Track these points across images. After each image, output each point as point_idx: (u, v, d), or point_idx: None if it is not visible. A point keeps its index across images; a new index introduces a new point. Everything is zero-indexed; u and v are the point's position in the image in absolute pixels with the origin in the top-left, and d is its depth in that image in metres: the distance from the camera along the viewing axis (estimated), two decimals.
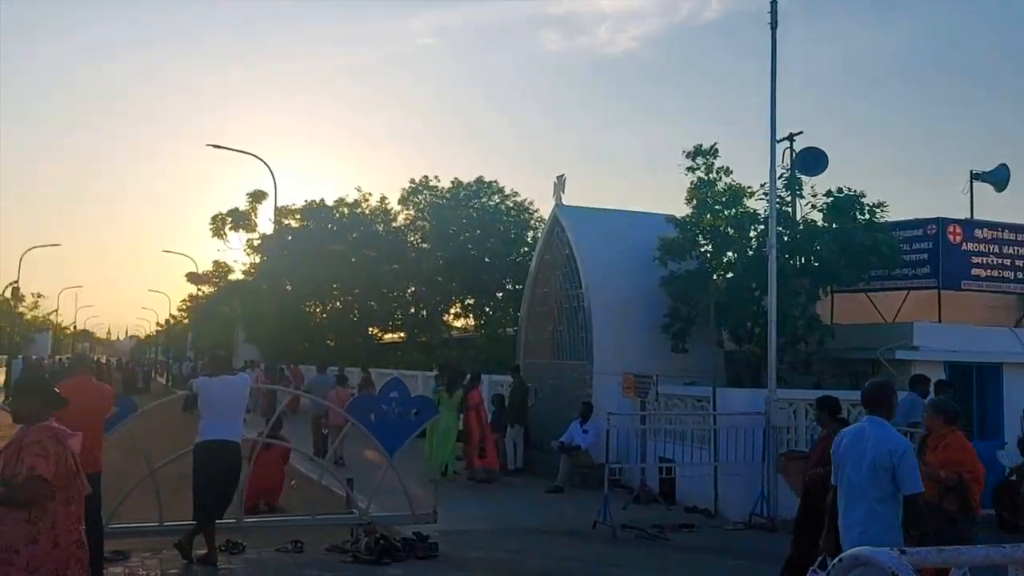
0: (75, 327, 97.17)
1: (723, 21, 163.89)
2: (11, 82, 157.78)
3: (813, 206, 14.63)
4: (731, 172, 15.06)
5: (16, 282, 40.92)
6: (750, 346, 14.39)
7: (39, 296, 75.38)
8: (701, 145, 15.16)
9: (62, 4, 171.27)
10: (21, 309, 60.27)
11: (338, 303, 35.99)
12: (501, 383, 17.22)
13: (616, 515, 10.42)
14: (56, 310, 78.35)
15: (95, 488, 7.12)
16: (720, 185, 14.99)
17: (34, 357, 53.50)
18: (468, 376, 15.19)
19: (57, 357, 57.91)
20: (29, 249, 56.10)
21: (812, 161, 15.26)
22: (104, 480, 7.31)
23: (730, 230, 14.73)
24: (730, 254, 14.99)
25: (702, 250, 14.97)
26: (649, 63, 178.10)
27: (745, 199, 14.79)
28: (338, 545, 8.67)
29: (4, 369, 43.27)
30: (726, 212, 14.78)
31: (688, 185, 15.15)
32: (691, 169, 15.16)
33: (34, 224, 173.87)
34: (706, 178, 15.03)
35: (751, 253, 14.33)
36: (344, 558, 8.38)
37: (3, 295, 46.85)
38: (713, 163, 15.05)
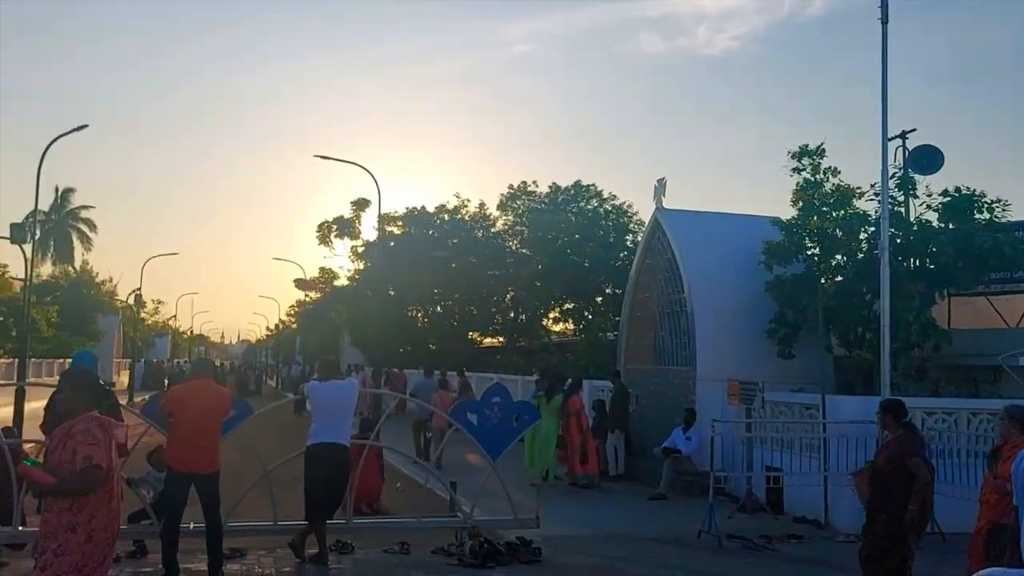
0: (191, 332, 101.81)
1: (828, 17, 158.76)
2: (129, 95, 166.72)
3: (928, 206, 14.11)
4: (839, 172, 14.68)
5: (139, 289, 43.17)
6: (861, 352, 13.92)
7: (159, 303, 79.38)
8: (807, 145, 14.81)
9: (186, 19, 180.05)
10: (143, 315, 63.58)
11: (439, 308, 36.58)
12: (602, 388, 17.15)
13: (721, 524, 10.22)
14: (174, 315, 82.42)
15: (213, 487, 7.50)
16: (827, 186, 14.60)
17: (154, 360, 56.43)
18: (568, 381, 15.18)
19: (175, 360, 60.82)
20: (150, 258, 59.27)
21: (926, 159, 14.64)
22: (222, 480, 7.65)
23: (838, 232, 14.31)
24: (839, 257, 14.57)
25: (809, 253, 14.59)
26: (750, 62, 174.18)
27: (854, 200, 14.34)
28: (443, 548, 8.81)
29: (128, 371, 45.76)
30: (834, 214, 14.37)
31: (794, 187, 14.80)
32: (797, 170, 14.80)
33: (155, 234, 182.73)
34: (813, 179, 14.66)
35: (861, 256, 13.89)
36: (449, 561, 8.51)
37: (128, 302, 49.48)
38: (820, 164, 14.66)
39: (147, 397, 24.00)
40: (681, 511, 11.92)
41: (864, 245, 14.12)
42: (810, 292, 13.66)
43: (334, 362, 10.17)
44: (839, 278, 14.48)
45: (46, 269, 59.34)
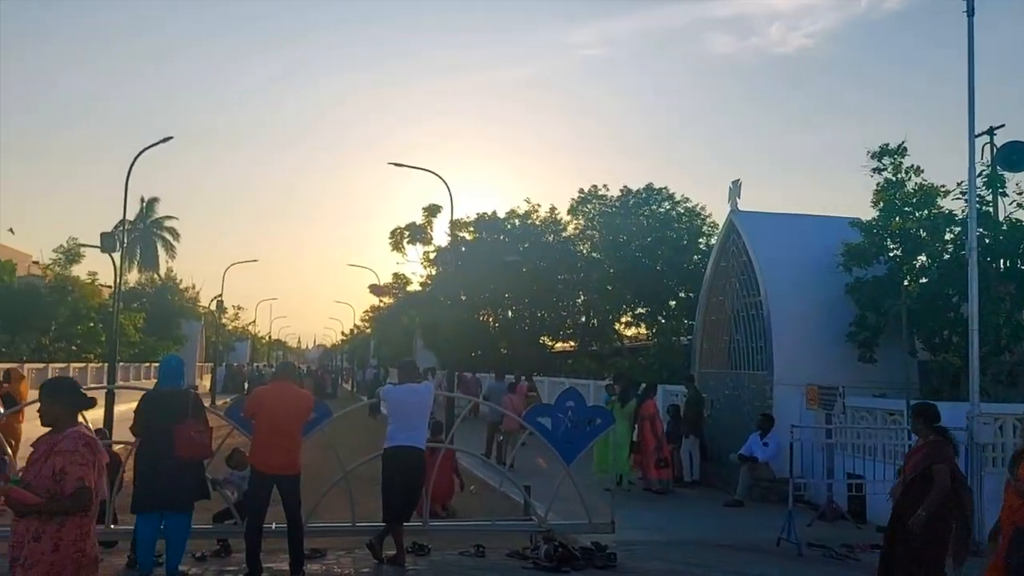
0: (270, 336, 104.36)
1: (908, 11, 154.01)
2: (207, 105, 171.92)
3: (1019, 205, 13.53)
4: (922, 171, 14.24)
5: (220, 296, 44.46)
6: (947, 356, 13.44)
7: (239, 308, 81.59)
8: (888, 144, 14.41)
9: (263, 29, 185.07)
10: (224, 320, 65.45)
11: (510, 312, 36.70)
12: (676, 393, 16.97)
13: (801, 532, 10.01)
14: (254, 321, 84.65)
15: (295, 488, 7.68)
16: (910, 185, 14.16)
17: (235, 364, 58.08)
18: (642, 386, 15.07)
19: (255, 364, 62.43)
20: (231, 265, 60.95)
21: (1015, 156, 14.01)
22: (303, 480, 7.82)
23: (922, 233, 13.87)
24: (923, 258, 14.12)
25: (891, 255, 14.17)
26: (826, 60, 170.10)
27: (938, 199, 13.88)
28: (518, 551, 8.83)
29: (211, 375, 47.18)
30: (917, 214, 13.93)
31: (874, 187, 14.41)
32: (877, 170, 14.43)
33: (234, 241, 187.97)
34: (894, 179, 14.25)
35: (947, 257, 13.43)
36: (524, 564, 8.53)
37: (209, 308, 51.04)
38: (901, 162, 14.26)
39: (228, 400, 24.75)
40: (758, 518, 11.72)
41: (950, 246, 13.65)
42: (892, 294, 13.26)
43: (412, 363, 10.24)
44: (923, 280, 14.03)
45: (133, 277, 61.72)
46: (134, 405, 7.67)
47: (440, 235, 36.50)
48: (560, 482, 9.17)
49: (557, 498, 9.30)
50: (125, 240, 22.21)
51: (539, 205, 36.47)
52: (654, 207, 32.96)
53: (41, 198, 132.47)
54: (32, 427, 14.82)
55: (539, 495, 9.84)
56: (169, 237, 69.20)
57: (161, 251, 67.79)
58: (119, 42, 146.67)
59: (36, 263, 38.15)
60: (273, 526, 8.00)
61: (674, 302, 30.32)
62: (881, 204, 14.28)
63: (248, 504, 7.82)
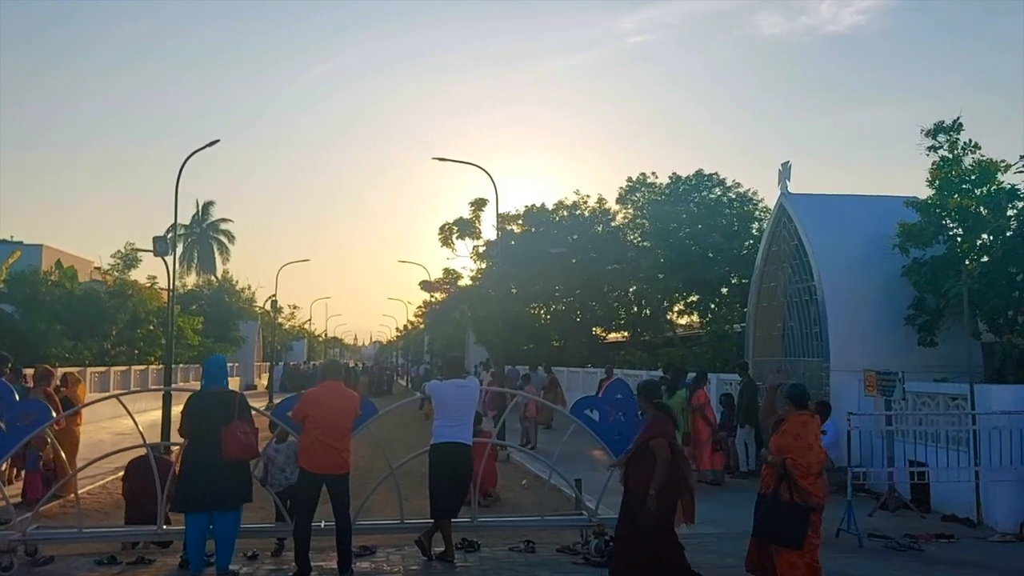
0: (326, 334, 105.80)
1: None
2: (256, 108, 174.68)
3: None
4: (979, 147, 13.70)
5: (274, 295, 45.14)
6: (1011, 337, 12.94)
7: (295, 307, 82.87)
8: (943, 121, 13.91)
9: (310, 33, 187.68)
10: (280, 320, 66.51)
11: (561, 305, 36.53)
12: (729, 382, 16.67)
13: (861, 522, 9.71)
14: (309, 319, 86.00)
15: (344, 487, 7.68)
16: (967, 162, 13.64)
17: (291, 363, 58.96)
18: (691, 375, 14.81)
19: (311, 362, 63.25)
20: (284, 265, 62.02)
21: None
22: (352, 478, 7.82)
23: (982, 210, 13.38)
24: (984, 236, 13.61)
25: (950, 234, 13.69)
26: (879, 36, 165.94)
27: (998, 175, 13.35)
28: (568, 547, 8.73)
29: (268, 375, 47.98)
30: (976, 191, 13.42)
31: (930, 165, 13.93)
32: (932, 148, 13.94)
33: (287, 241, 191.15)
34: (950, 156, 13.75)
35: (1010, 233, 12.91)
36: (575, 560, 8.43)
37: (265, 308, 51.88)
38: (957, 139, 13.74)
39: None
40: None
41: (1013, 222, 13.14)
42: (953, 275, 12.81)
43: (458, 359, 10.21)
44: (985, 258, 13.52)
45: (191, 279, 63.07)
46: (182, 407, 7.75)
47: (489, 229, 36.54)
48: (610, 475, 9.04)
49: (609, 491, 9.17)
50: (178, 244, 22.58)
51: (588, 196, 36.28)
52: (704, 193, 32.48)
53: (102, 203, 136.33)
54: (89, 430, 15.19)
55: (591, 488, 9.72)
56: (224, 240, 70.56)
57: (217, 254, 69.06)
58: (167, 46, 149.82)
59: (98, 269, 39.13)
60: (322, 524, 8.03)
61: (726, 289, 29.82)
62: (937, 182, 13.81)
63: (297, 503, 7.85)
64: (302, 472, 7.69)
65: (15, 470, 12.09)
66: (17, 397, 8.46)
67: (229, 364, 48.66)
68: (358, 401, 8.07)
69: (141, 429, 8.54)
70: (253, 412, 7.90)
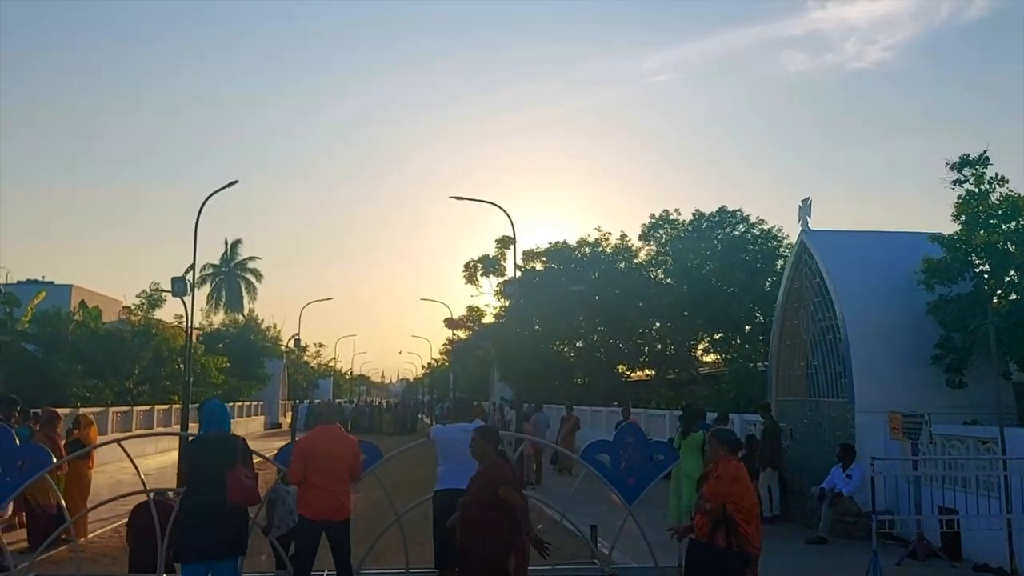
0: (352, 372, 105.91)
1: (992, 18, 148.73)
2: (278, 149, 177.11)
3: None
4: (1007, 181, 13.38)
5: (297, 334, 45.40)
6: None
7: (320, 346, 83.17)
8: (968, 155, 13.60)
9: (332, 76, 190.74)
10: (305, 358, 66.69)
11: (584, 342, 36.24)
12: (752, 423, 16.27)
13: (888, 572, 9.32)
14: (335, 357, 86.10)
15: (344, 534, 7.46)
16: (994, 197, 13.32)
17: (316, 401, 59.01)
18: (715, 416, 14.44)
19: (337, 401, 63.27)
20: (308, 303, 62.23)
21: None
22: (356, 524, 7.60)
23: (1010, 246, 13.00)
24: (1012, 273, 13.21)
25: (977, 271, 13.32)
26: (905, 72, 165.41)
27: None
28: None
29: (291, 413, 47.99)
30: (1004, 226, 13.08)
31: (955, 200, 13.62)
32: (958, 182, 13.63)
33: (309, 280, 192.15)
34: (977, 190, 13.43)
35: None
36: None
37: (289, 346, 52.09)
38: (984, 173, 13.44)
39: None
40: (843, 556, 11.02)
41: None
42: (980, 313, 12.43)
43: (465, 401, 10.00)
44: (1013, 296, 13.14)
45: (218, 318, 63.53)
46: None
47: (513, 267, 36.51)
48: (624, 520, 8.75)
49: (624, 536, 8.87)
50: (206, 282, 22.60)
51: (610, 233, 36.17)
52: (728, 230, 32.20)
53: (131, 242, 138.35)
54: (100, 472, 15.08)
55: (607, 532, 9.41)
56: (252, 278, 71.18)
57: (244, 292, 69.59)
58: (193, 88, 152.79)
59: (126, 308, 39.55)
60: (324, 573, 7.80)
61: (750, 327, 29.38)
62: (963, 217, 13.48)
63: (296, 552, 7.65)
64: (301, 519, 7.50)
65: (23, 514, 11.99)
66: (18, 441, 8.37)
67: (254, 403, 48.92)
68: (356, 443, 7.89)
69: (159, 470, 8.44)
70: (257, 459, 7.74)
